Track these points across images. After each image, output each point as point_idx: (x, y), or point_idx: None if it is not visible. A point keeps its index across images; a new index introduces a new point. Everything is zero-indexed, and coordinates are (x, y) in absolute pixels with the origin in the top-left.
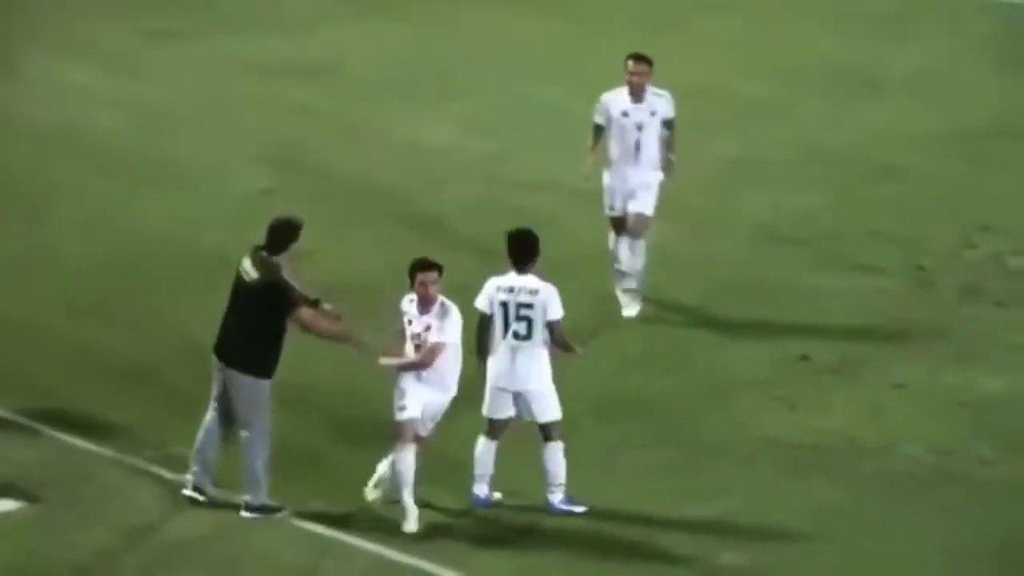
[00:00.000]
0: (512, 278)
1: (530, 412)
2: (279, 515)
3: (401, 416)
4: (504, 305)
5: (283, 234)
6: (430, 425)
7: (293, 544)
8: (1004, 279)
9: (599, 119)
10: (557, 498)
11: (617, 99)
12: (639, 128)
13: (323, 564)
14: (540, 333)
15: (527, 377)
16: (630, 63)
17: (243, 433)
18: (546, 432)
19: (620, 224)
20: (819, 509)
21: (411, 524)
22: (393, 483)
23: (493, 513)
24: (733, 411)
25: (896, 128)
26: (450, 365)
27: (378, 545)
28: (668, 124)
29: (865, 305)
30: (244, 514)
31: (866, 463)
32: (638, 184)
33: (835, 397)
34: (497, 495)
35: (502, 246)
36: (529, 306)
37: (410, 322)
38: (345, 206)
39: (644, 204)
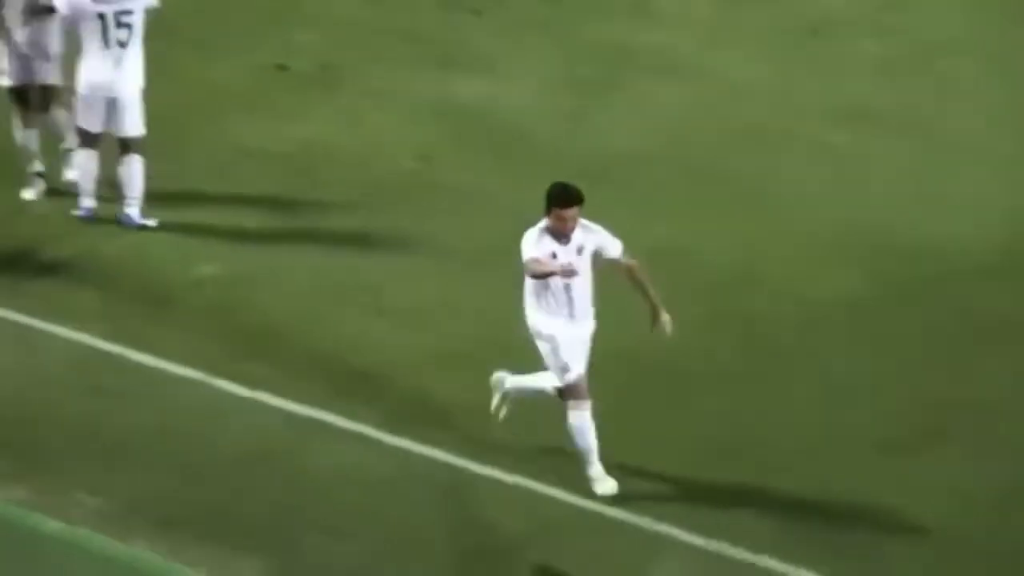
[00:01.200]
0: None
1: (120, 126)
2: None
3: (569, 378)
4: (102, 17)
5: None
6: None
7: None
8: None
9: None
10: (134, 212)
11: None
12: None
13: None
14: (139, 40)
15: (125, 82)
16: None
17: None
18: (129, 146)
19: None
20: (296, 215)
21: (607, 487)
22: (577, 448)
23: None
24: (216, 122)
25: None
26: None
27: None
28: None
29: (341, 13)
30: None
31: (348, 171)
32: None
33: (315, 106)
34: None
35: None
36: (129, 12)
37: (555, 255)
38: None
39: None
